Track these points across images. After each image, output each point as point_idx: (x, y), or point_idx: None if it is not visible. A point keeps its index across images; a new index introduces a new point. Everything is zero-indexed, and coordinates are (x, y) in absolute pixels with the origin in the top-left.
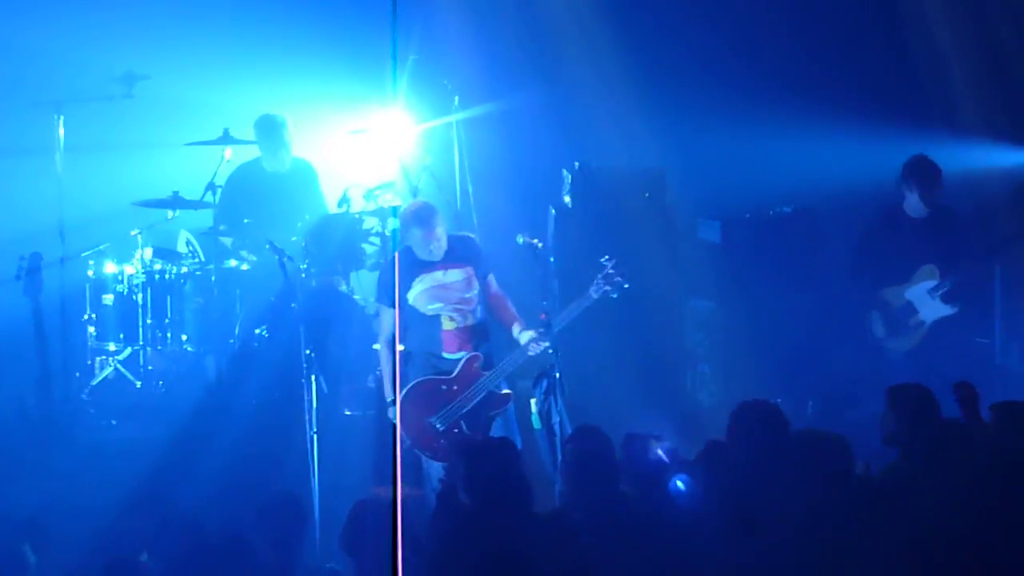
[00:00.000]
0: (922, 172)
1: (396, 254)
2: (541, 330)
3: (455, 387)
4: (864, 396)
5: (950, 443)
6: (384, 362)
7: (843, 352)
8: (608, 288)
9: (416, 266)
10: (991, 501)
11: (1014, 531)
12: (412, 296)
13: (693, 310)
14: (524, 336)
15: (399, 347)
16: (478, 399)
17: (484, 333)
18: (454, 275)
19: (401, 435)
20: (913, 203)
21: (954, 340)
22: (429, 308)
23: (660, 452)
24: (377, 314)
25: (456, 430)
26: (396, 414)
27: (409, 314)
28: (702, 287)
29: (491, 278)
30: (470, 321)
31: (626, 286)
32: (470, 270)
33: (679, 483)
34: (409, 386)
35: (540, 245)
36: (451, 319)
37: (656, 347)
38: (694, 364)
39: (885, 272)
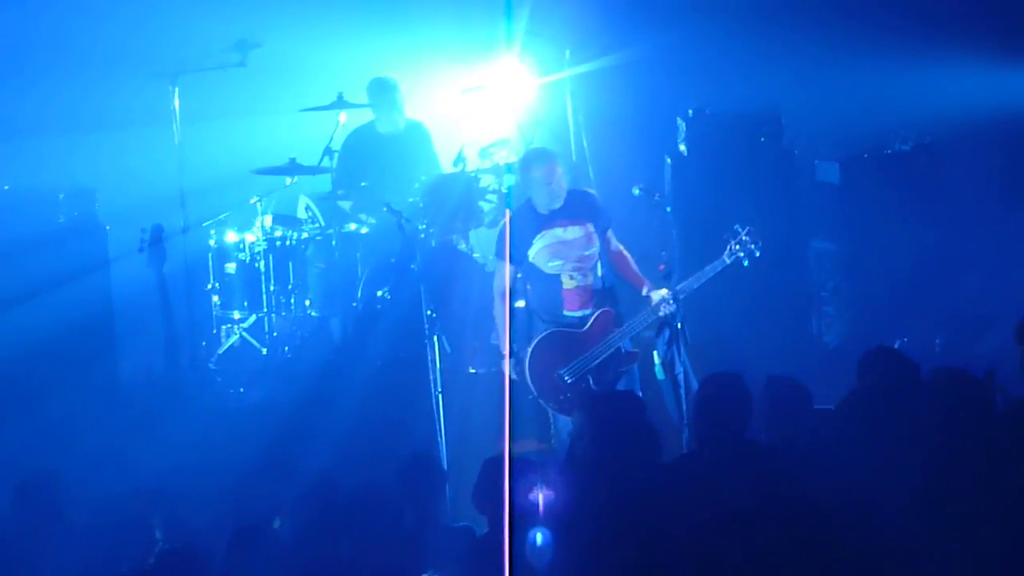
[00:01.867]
0: None
1: (507, 212)
2: (670, 292)
3: (586, 341)
4: (992, 329)
5: None
6: (497, 316)
7: (969, 286)
8: (742, 255)
9: (536, 222)
10: None
11: None
12: (532, 253)
13: (815, 252)
14: (655, 295)
15: (519, 303)
16: (607, 354)
17: (605, 291)
18: (574, 231)
19: (528, 385)
20: None
21: None
22: (549, 266)
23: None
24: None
25: (584, 384)
26: (507, 368)
27: (530, 272)
28: (823, 229)
29: (610, 234)
30: (590, 280)
31: (757, 254)
32: (589, 227)
33: (538, 536)
34: (541, 336)
35: (657, 195)
36: (571, 277)
37: (779, 291)
38: (818, 306)
39: None
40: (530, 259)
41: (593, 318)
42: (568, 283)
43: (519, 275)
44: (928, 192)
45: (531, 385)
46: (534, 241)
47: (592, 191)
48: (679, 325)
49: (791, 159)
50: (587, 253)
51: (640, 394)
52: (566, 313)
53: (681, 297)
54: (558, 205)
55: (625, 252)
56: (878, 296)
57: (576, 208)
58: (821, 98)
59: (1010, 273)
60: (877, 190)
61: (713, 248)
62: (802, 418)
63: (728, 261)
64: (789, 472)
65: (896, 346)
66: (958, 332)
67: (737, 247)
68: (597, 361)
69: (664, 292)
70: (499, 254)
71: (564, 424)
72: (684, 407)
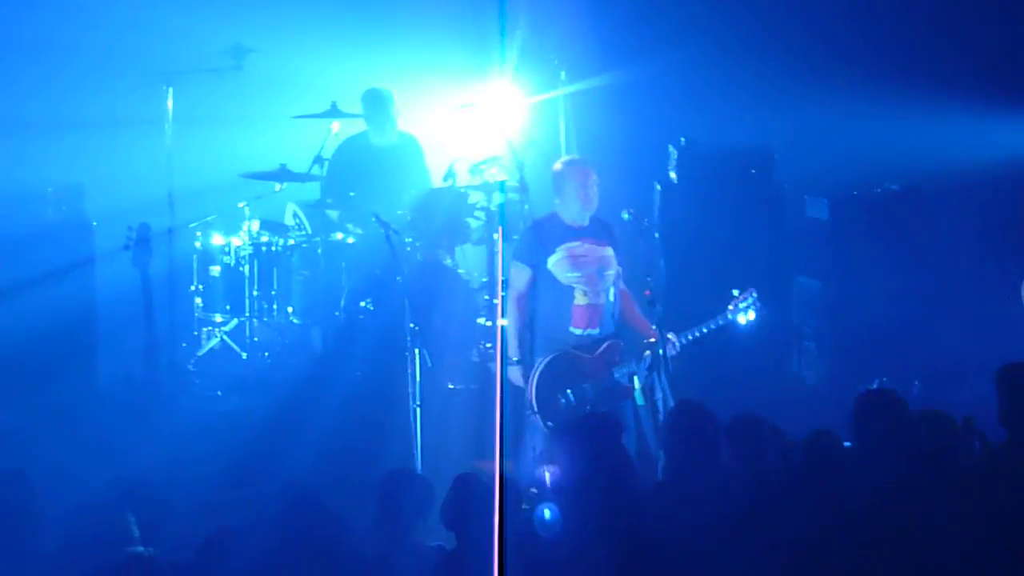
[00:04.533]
0: None
1: (503, 223)
2: (674, 338)
3: (592, 367)
4: (972, 375)
5: None
6: (512, 320)
7: (951, 331)
8: (743, 317)
9: (562, 232)
10: None
11: None
12: (552, 262)
13: (800, 287)
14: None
15: (500, 321)
16: (608, 384)
17: (612, 316)
18: (596, 250)
19: (531, 399)
20: None
21: None
22: (567, 276)
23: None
24: (489, 282)
25: (583, 409)
26: (515, 374)
27: (544, 281)
28: (809, 265)
29: (621, 270)
30: (601, 300)
31: (752, 317)
32: (611, 251)
33: (546, 512)
34: (555, 354)
35: (645, 221)
36: (584, 294)
37: (762, 324)
38: (799, 341)
39: None
40: (549, 266)
41: (604, 346)
42: (580, 299)
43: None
44: (914, 234)
45: (534, 400)
46: (557, 250)
47: (613, 225)
48: (661, 352)
49: (781, 194)
50: (606, 272)
51: (630, 423)
52: (571, 329)
53: (683, 343)
54: (590, 213)
55: (629, 293)
56: (860, 336)
57: (601, 231)
58: (814, 135)
59: (991, 320)
60: (865, 229)
61: (699, 277)
62: (769, 452)
63: (730, 318)
64: (767, 501)
65: (875, 387)
66: (938, 376)
67: (741, 306)
68: (599, 389)
69: (670, 336)
70: (518, 257)
71: (536, 444)
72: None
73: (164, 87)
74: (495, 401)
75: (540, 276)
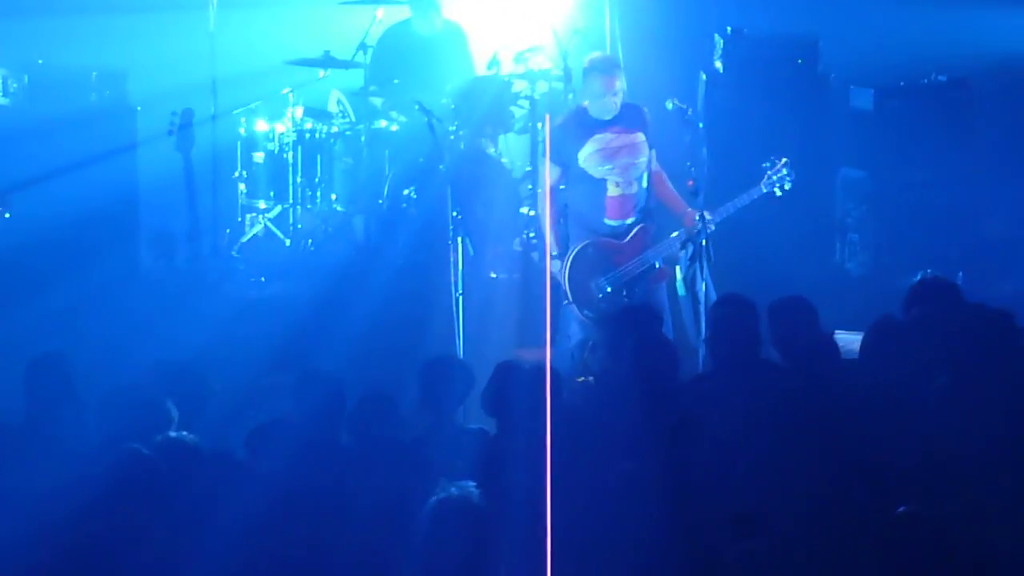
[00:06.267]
0: None
1: (545, 117)
2: (706, 215)
3: (624, 252)
4: (1015, 267)
5: None
6: (545, 215)
7: (994, 223)
8: (777, 187)
9: (590, 126)
10: None
11: None
12: (583, 156)
13: (844, 179)
14: (691, 217)
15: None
16: (642, 269)
17: (646, 203)
18: (626, 139)
19: (565, 290)
20: None
21: None
22: (598, 170)
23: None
24: (532, 171)
25: (619, 296)
26: (549, 269)
27: (575, 176)
28: (853, 156)
29: (653, 152)
30: (634, 189)
31: (788, 186)
32: (640, 136)
33: None
34: (584, 243)
35: (690, 111)
36: (616, 185)
37: (805, 215)
38: (843, 233)
39: None
40: (580, 162)
41: (634, 231)
42: (613, 190)
43: (561, 185)
44: (960, 126)
45: (568, 290)
46: (586, 144)
47: (644, 108)
48: (703, 242)
49: (826, 84)
50: (636, 161)
51: (666, 311)
52: (606, 221)
53: (717, 221)
54: (610, 117)
55: (662, 172)
56: (904, 226)
57: (629, 118)
58: (860, 24)
59: None
60: (910, 120)
61: (743, 167)
62: (809, 337)
63: (764, 191)
64: (806, 393)
65: (919, 278)
66: (980, 268)
67: (775, 177)
68: (633, 275)
69: (704, 214)
70: (551, 156)
71: (566, 335)
72: (703, 324)
73: None
74: (536, 290)
75: (572, 171)
